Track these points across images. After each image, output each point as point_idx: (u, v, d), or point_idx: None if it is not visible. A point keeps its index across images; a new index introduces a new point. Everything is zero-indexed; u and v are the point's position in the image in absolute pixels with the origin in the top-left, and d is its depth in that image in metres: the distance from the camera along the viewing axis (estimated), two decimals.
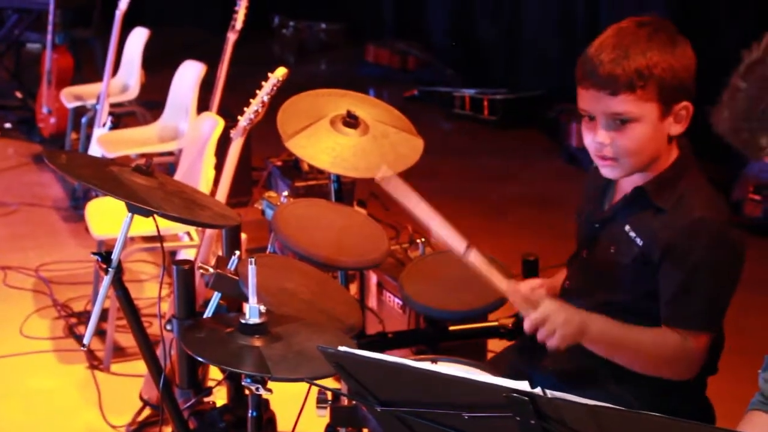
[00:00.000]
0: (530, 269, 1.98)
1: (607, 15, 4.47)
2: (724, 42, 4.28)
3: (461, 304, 1.95)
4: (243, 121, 2.20)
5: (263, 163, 3.81)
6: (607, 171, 1.64)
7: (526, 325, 1.57)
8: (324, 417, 1.80)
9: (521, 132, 5.28)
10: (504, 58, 6.04)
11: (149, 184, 1.73)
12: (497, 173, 4.61)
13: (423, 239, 2.59)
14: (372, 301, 2.65)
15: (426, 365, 1.12)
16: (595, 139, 1.59)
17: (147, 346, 1.79)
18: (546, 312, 1.55)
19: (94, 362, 2.86)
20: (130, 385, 2.65)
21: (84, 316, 3.14)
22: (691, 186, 1.62)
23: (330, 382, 1.88)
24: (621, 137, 1.56)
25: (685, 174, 1.64)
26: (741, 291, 1.66)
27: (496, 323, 2.02)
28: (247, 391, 1.65)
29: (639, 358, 1.61)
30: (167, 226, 2.37)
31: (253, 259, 1.57)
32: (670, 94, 1.56)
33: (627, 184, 1.68)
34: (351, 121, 2.07)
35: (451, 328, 2.06)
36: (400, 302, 2.46)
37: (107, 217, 2.84)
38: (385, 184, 1.67)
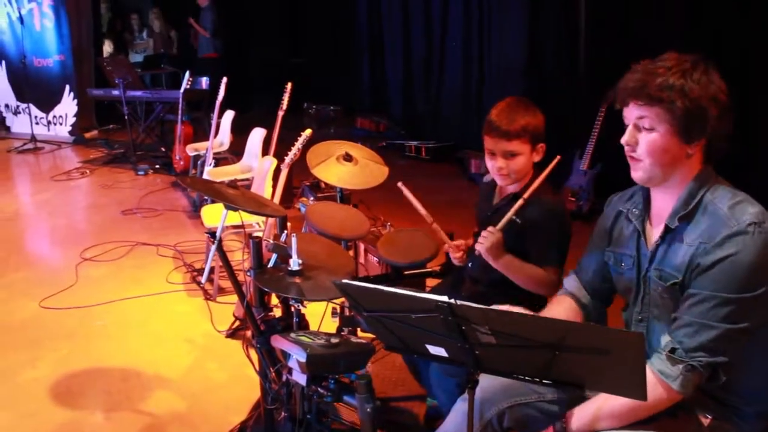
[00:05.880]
0: (449, 239, 2.42)
1: (489, 98, 5.27)
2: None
3: (410, 258, 2.67)
4: (287, 159, 2.97)
5: (299, 183, 5.01)
6: (501, 181, 2.23)
7: (479, 242, 2.08)
8: (335, 322, 2.66)
9: (443, 165, 7.17)
10: (431, 123, 8.14)
11: (236, 193, 2.39)
12: (430, 189, 6.14)
13: (389, 223, 3.22)
14: (361, 259, 3.21)
15: (389, 288, 1.39)
16: (495, 165, 2.18)
17: (237, 285, 2.37)
18: (489, 235, 2.08)
19: (208, 296, 3.95)
20: (227, 309, 3.66)
21: (201, 271, 4.28)
22: (543, 188, 2.13)
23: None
24: (511, 164, 2.16)
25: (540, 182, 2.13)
26: None
27: (430, 269, 2.72)
28: (292, 308, 2.28)
29: (524, 279, 2.12)
30: (246, 218, 3.35)
31: (294, 235, 2.18)
32: (535, 139, 2.16)
33: (506, 190, 2.27)
34: (348, 157, 2.88)
35: (405, 272, 2.72)
36: (377, 259, 3.04)
37: (212, 214, 3.87)
38: (401, 187, 2.36)
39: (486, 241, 2.08)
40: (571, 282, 1.90)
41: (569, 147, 5.37)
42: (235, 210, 2.28)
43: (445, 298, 1.30)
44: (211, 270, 4.00)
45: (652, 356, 1.55)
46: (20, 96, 9.34)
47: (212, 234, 2.41)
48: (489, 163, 2.21)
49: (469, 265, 2.35)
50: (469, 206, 2.60)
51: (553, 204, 2.19)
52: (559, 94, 6.06)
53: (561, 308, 1.86)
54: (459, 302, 1.29)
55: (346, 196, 3.30)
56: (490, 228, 2.09)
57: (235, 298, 3.54)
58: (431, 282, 2.80)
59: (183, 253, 4.67)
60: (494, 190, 2.35)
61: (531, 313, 1.58)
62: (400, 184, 2.33)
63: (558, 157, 2.10)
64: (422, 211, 2.31)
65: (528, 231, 2.15)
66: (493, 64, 7.22)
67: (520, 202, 2.07)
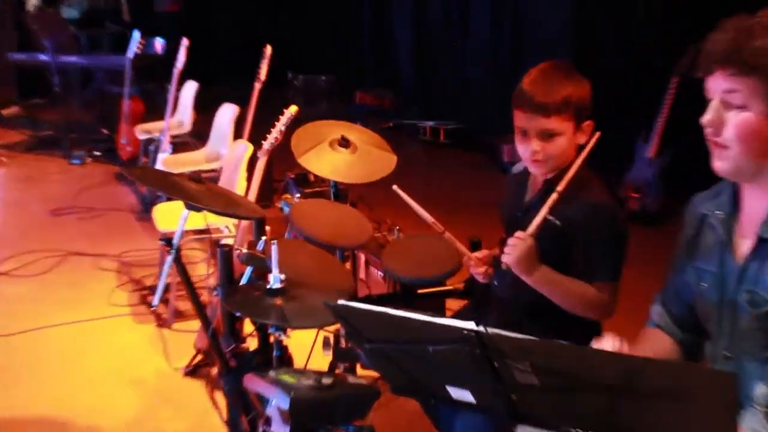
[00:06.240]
0: (474, 248, 2.49)
1: (525, 67, 5.91)
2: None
3: (425, 273, 2.65)
4: (266, 145, 2.96)
5: (282, 175, 5.07)
6: (536, 170, 2.22)
7: (505, 253, 2.05)
8: (328, 356, 2.63)
9: (467, 152, 7.22)
10: (452, 99, 8.12)
11: (200, 189, 2.42)
12: (451, 183, 6.19)
13: (398, 228, 3.23)
14: (361, 273, 3.24)
15: (399, 312, 1.39)
16: (529, 148, 2.15)
17: (200, 308, 2.49)
18: (519, 242, 2.05)
19: (161, 322, 3.99)
20: (187, 339, 3.64)
21: (153, 289, 4.29)
22: (587, 178, 2.16)
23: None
24: (549, 147, 2.14)
25: (580, 170, 2.10)
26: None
27: (451, 287, 2.73)
28: (272, 338, 2.29)
29: (567, 299, 2.11)
30: (212, 221, 3.39)
31: (275, 242, 2.18)
32: (580, 115, 2.15)
33: (539, 181, 2.24)
34: (344, 142, 2.88)
35: (419, 291, 2.73)
36: (382, 274, 3.08)
37: (168, 216, 3.89)
38: (396, 191, 2.28)
39: (514, 250, 2.05)
40: (657, 312, 1.90)
41: (630, 129, 5.32)
42: (199, 210, 2.31)
43: (472, 325, 1.29)
44: (166, 288, 3.98)
45: (745, 410, 1.52)
46: None
47: (168, 241, 2.44)
48: (520, 146, 2.20)
49: (496, 282, 2.34)
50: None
51: (601, 198, 2.18)
52: (617, 62, 6.03)
53: (652, 344, 1.85)
54: (491, 330, 1.28)
55: (341, 192, 3.27)
56: (518, 233, 2.07)
57: (196, 324, 3.52)
58: (451, 304, 2.81)
59: (129, 266, 4.66)
60: (526, 184, 2.34)
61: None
62: (395, 187, 2.31)
63: (597, 133, 2.09)
64: (428, 218, 2.28)
65: (570, 235, 2.14)
66: (531, 24, 7.21)
67: (554, 196, 2.05)
